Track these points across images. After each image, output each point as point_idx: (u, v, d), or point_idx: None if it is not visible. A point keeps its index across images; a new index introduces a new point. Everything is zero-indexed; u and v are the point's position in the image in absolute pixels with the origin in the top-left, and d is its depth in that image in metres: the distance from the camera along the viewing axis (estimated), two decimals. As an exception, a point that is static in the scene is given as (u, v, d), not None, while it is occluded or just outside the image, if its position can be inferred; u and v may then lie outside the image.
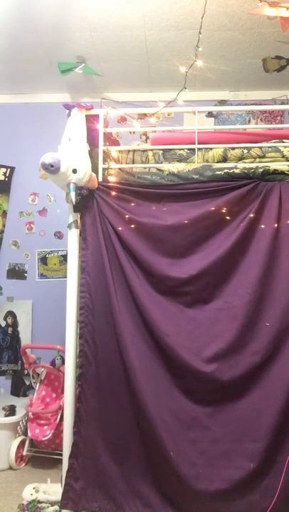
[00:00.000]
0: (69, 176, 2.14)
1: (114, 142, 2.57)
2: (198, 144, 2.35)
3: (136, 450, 2.16)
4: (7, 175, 3.75)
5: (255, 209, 2.21)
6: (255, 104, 3.52)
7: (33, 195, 3.78)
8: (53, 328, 3.16)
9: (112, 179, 2.35)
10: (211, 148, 2.36)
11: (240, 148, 2.34)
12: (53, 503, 2.32)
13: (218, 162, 2.34)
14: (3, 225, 3.75)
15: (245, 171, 2.24)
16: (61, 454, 2.28)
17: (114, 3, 2.71)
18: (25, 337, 3.61)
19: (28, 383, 3.48)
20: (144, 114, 2.48)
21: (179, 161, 2.37)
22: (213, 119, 3.71)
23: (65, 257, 3.61)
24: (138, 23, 2.89)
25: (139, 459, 2.15)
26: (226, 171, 2.26)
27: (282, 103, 3.56)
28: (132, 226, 2.27)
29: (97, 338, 2.23)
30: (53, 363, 2.98)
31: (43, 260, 3.72)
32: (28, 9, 2.76)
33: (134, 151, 2.44)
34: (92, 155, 2.32)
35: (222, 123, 3.71)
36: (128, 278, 2.22)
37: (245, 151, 2.33)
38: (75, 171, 2.13)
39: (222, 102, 3.67)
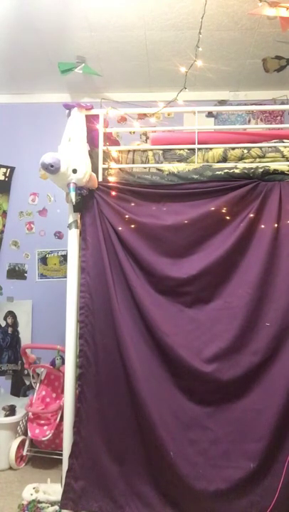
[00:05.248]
0: (69, 175, 2.14)
1: (114, 142, 2.57)
2: (198, 144, 2.34)
3: (136, 450, 2.15)
4: (7, 175, 3.75)
5: (255, 209, 2.20)
6: (255, 104, 3.52)
7: (33, 195, 3.78)
8: (53, 328, 3.17)
9: (112, 179, 2.35)
10: (211, 149, 2.36)
11: (240, 148, 2.34)
12: (53, 503, 2.32)
13: (218, 162, 2.34)
14: (3, 225, 3.75)
15: (245, 171, 2.24)
16: (61, 454, 2.28)
17: (114, 3, 2.71)
18: (25, 337, 3.61)
19: (28, 383, 3.48)
20: (144, 114, 2.48)
21: (179, 161, 2.37)
22: (213, 119, 3.71)
23: (65, 257, 3.61)
24: (138, 23, 2.89)
25: (139, 459, 2.15)
26: (226, 171, 2.26)
27: (282, 103, 3.57)
28: (132, 226, 2.26)
29: (97, 338, 2.23)
30: (53, 363, 2.99)
31: (43, 260, 3.72)
32: (28, 9, 2.76)
33: (134, 151, 2.43)
34: (92, 155, 2.32)
35: (222, 123, 3.71)
36: (128, 278, 2.22)
37: (245, 151, 2.33)
38: (75, 171, 2.13)
39: (222, 102, 3.67)
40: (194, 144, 2.35)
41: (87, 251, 2.29)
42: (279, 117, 3.71)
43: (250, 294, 2.15)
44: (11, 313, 3.64)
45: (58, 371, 3.01)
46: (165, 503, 2.11)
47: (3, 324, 3.63)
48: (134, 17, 2.84)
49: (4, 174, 3.75)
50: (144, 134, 3.33)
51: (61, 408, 2.70)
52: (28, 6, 2.74)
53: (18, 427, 3.01)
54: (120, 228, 2.25)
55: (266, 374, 2.11)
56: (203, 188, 2.26)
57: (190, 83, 2.44)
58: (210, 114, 3.66)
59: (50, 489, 2.43)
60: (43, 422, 2.87)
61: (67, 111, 2.30)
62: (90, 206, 2.31)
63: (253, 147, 2.32)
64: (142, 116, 2.50)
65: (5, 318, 3.63)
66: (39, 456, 2.92)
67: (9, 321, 3.63)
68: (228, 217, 2.23)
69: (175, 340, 2.15)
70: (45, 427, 2.83)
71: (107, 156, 2.39)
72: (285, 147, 2.30)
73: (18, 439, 2.93)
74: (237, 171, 2.25)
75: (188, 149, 2.37)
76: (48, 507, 2.31)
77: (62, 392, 2.38)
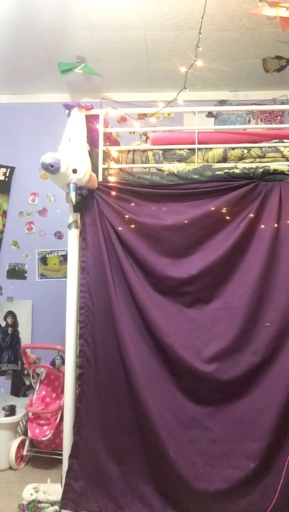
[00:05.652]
0: (69, 175, 2.14)
1: (114, 142, 2.57)
2: (198, 144, 2.34)
3: (136, 450, 2.16)
4: (7, 175, 3.75)
5: (255, 209, 2.20)
6: (255, 104, 3.52)
7: (33, 195, 3.78)
8: (53, 328, 3.17)
9: (112, 179, 2.35)
10: (211, 148, 2.36)
11: (240, 148, 2.34)
12: (53, 503, 2.32)
13: (218, 162, 2.34)
14: (3, 225, 3.75)
15: (245, 171, 2.24)
16: (61, 454, 2.28)
17: (114, 3, 2.71)
18: (25, 337, 3.61)
19: (28, 383, 3.48)
20: (144, 114, 2.48)
21: (179, 161, 2.37)
22: (213, 119, 3.71)
23: (65, 257, 3.61)
24: (138, 23, 2.89)
25: (139, 459, 2.15)
26: (226, 171, 2.26)
27: (282, 103, 3.57)
28: (132, 226, 2.27)
29: (97, 338, 2.23)
30: (53, 363, 2.98)
31: (43, 260, 3.72)
32: (28, 9, 2.76)
33: (134, 151, 2.43)
34: (92, 155, 2.32)
35: (222, 123, 3.71)
36: (128, 278, 2.22)
37: (245, 151, 2.33)
38: (75, 171, 2.13)
39: (222, 102, 3.67)
40: (194, 144, 2.35)
41: (87, 251, 2.29)
42: (279, 117, 3.71)
43: (250, 294, 2.15)
44: (11, 313, 3.64)
45: (58, 371, 3.01)
46: (165, 503, 2.11)
47: (3, 324, 3.63)
48: (134, 17, 2.84)
49: (4, 174, 3.75)
50: (144, 134, 3.33)
51: (61, 408, 2.70)
52: (28, 6, 2.74)
53: (18, 427, 3.01)
54: (120, 228, 2.25)
55: (266, 374, 2.12)
56: (203, 188, 2.26)
57: (190, 83, 2.44)
58: (210, 114, 3.66)
59: (50, 489, 2.43)
60: (43, 422, 2.87)
61: (67, 111, 2.30)
62: (90, 206, 2.31)
63: (253, 147, 2.32)
64: (142, 116, 2.50)
65: (5, 318, 3.63)
66: (39, 456, 2.92)
67: (9, 321, 3.63)
68: (228, 217, 2.23)
69: (175, 340, 2.15)
70: (45, 427, 2.83)
71: (107, 156, 2.39)
72: (285, 147, 2.30)
73: (18, 439, 2.93)
74: (237, 171, 2.25)
75: (188, 149, 2.37)
76: (48, 507, 2.31)
77: (62, 392, 2.38)
